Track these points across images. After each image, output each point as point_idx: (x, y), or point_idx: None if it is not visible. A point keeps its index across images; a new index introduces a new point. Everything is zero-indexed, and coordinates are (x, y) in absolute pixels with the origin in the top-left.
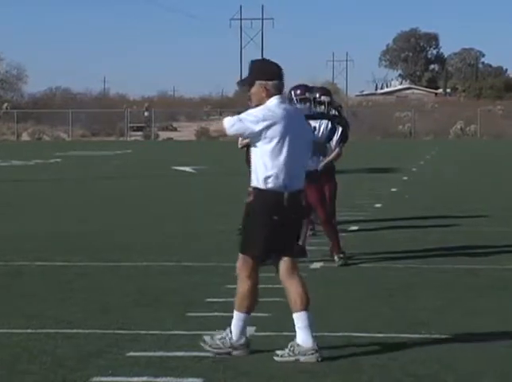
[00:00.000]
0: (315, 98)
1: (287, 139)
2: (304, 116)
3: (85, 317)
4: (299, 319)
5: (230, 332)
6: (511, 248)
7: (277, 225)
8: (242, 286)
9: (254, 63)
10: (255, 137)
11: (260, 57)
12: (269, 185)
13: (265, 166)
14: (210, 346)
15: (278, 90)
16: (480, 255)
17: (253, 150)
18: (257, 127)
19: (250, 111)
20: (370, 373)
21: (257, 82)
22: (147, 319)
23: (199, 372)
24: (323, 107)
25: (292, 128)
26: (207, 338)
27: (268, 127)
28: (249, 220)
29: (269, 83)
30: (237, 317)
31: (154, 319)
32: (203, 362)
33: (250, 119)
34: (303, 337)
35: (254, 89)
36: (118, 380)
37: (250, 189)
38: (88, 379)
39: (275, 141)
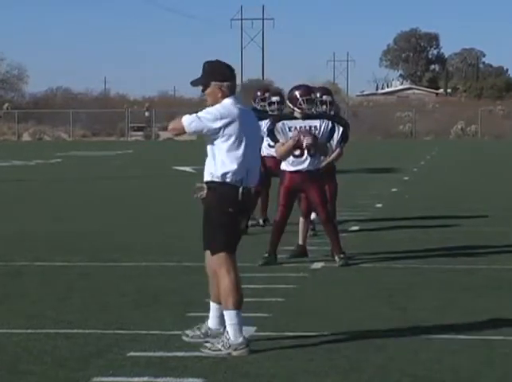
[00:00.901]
0: (316, 98)
1: (243, 137)
2: (254, 115)
3: (85, 318)
4: (229, 316)
5: (227, 333)
6: (511, 248)
7: (232, 217)
8: (224, 282)
9: (208, 64)
10: (213, 134)
11: (261, 57)
12: (227, 180)
13: (222, 163)
14: (209, 349)
15: (232, 91)
16: (480, 255)
17: (209, 147)
18: (216, 125)
19: (208, 110)
20: (369, 373)
21: (213, 83)
22: (147, 319)
23: (199, 373)
24: (324, 106)
25: (247, 127)
26: (188, 332)
27: (226, 125)
28: (209, 217)
29: (224, 84)
30: (227, 317)
31: (154, 319)
32: (203, 362)
33: (209, 117)
34: (232, 332)
35: (209, 90)
36: (118, 380)
37: (200, 185)
38: (89, 379)
39: (232, 138)
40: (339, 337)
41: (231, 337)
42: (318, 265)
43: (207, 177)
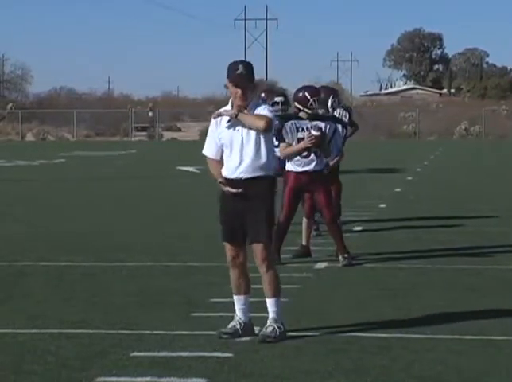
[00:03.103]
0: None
1: None
2: None
3: (89, 318)
4: (279, 303)
5: (278, 320)
6: None
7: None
8: (274, 270)
9: (251, 64)
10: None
11: (265, 57)
12: (272, 173)
13: (273, 157)
14: (277, 332)
15: None
16: (484, 256)
17: (263, 142)
18: (275, 121)
19: (267, 108)
20: (373, 374)
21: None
22: (151, 319)
23: (203, 373)
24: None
25: None
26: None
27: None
28: (261, 210)
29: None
30: (279, 303)
31: (158, 319)
32: (207, 362)
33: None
34: (281, 318)
35: (252, 86)
36: (122, 380)
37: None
38: (93, 379)
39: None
40: (343, 337)
41: (282, 324)
42: (321, 265)
43: (257, 172)
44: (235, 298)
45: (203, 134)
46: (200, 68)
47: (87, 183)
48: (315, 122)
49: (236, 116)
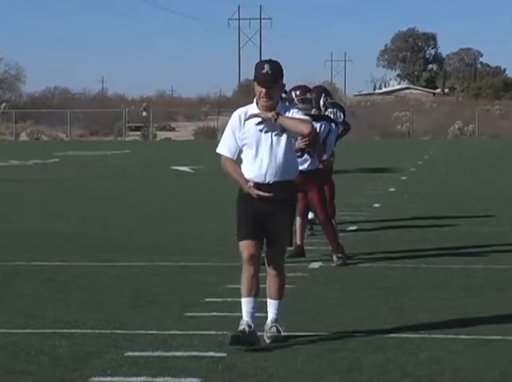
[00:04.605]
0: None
1: None
2: None
3: (83, 317)
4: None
5: (278, 321)
6: (508, 248)
7: None
8: (284, 275)
9: (278, 64)
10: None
11: (258, 57)
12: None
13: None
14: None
15: None
16: (478, 255)
17: (289, 146)
18: None
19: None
20: (368, 373)
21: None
22: (145, 319)
23: (197, 372)
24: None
25: None
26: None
27: None
28: (286, 216)
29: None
30: (280, 306)
31: (152, 319)
32: (201, 362)
33: None
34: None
35: (279, 87)
36: (116, 380)
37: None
38: (87, 379)
39: None
40: (337, 337)
41: (281, 326)
42: (315, 265)
43: (286, 176)
44: (245, 300)
45: (198, 133)
46: (194, 68)
47: (80, 183)
48: None
49: (276, 120)
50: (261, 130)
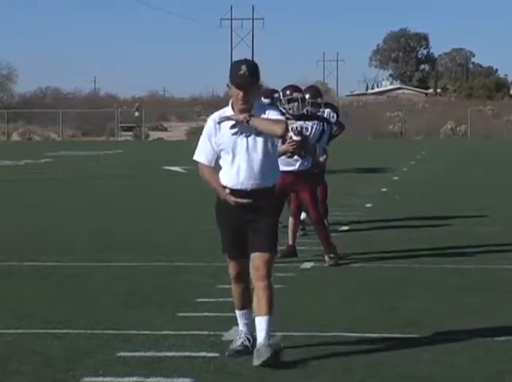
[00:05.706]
0: (303, 98)
1: None
2: None
3: (75, 318)
4: (272, 322)
5: (269, 336)
6: (501, 248)
7: None
8: (271, 286)
9: (255, 64)
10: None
11: (251, 57)
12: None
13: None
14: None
15: None
16: (470, 255)
17: (270, 149)
18: None
19: (278, 112)
20: (360, 374)
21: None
22: (137, 319)
23: (189, 372)
24: (296, 103)
25: None
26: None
27: None
28: (272, 221)
29: None
30: (271, 322)
31: (145, 319)
32: (193, 362)
33: None
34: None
35: (257, 88)
36: (108, 380)
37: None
38: (79, 379)
39: None
40: (329, 337)
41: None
42: (308, 265)
43: (265, 182)
44: (239, 313)
45: (190, 133)
46: (187, 68)
47: (73, 183)
48: (299, 123)
49: (248, 122)
50: (235, 134)
